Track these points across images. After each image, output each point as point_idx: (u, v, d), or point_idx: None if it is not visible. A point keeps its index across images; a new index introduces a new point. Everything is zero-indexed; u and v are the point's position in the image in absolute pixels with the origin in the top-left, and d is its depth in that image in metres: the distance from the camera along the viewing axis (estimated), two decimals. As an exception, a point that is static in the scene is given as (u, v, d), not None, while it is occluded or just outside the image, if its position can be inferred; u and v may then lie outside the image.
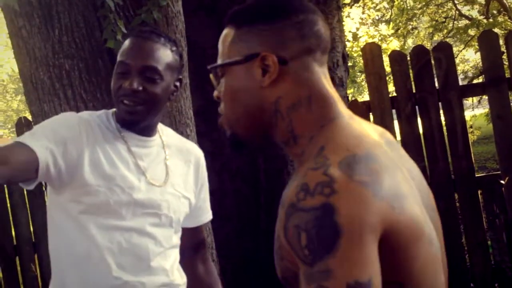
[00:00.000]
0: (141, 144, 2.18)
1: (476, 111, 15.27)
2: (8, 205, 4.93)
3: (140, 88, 2.07)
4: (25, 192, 5.00)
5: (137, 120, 2.13)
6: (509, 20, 13.88)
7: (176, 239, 2.27)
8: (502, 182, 4.53)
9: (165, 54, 2.13)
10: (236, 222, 3.44)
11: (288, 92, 1.35)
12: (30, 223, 5.05)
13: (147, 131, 2.20)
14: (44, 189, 5.03)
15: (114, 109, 2.21)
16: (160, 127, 2.28)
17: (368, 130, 1.37)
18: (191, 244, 2.41)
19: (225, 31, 1.43)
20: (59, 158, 2.00)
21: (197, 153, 2.38)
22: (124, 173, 2.11)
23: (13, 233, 5.09)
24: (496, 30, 12.40)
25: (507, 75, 4.72)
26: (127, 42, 2.16)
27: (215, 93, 1.45)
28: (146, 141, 2.20)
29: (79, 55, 3.01)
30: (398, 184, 1.26)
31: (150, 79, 2.09)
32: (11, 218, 5.04)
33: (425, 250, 1.27)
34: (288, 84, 1.35)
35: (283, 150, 1.42)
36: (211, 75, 1.46)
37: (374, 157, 1.26)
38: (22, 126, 5.00)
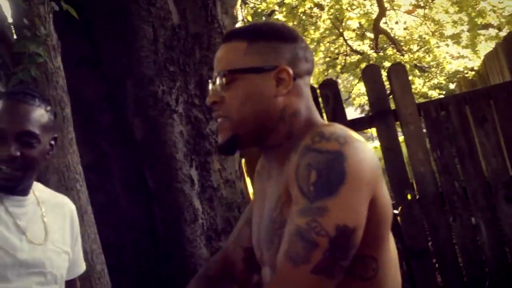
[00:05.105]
0: (17, 203, 2.15)
1: (374, 144, 15.58)
2: None
3: (18, 153, 2.04)
4: None
5: (14, 186, 2.10)
6: (397, 52, 14.32)
7: None
8: (396, 211, 4.64)
9: (40, 116, 2.11)
10: (137, 274, 3.38)
11: (292, 102, 1.57)
12: None
13: (23, 191, 2.17)
14: None
15: None
16: None
17: None
18: None
19: (230, 45, 1.60)
20: None
21: (70, 206, 2.37)
22: (5, 235, 2.07)
23: None
24: (386, 63, 12.79)
25: (393, 107, 4.85)
26: (0, 105, 2.11)
27: (212, 98, 1.60)
28: (22, 200, 2.16)
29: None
30: None
31: (28, 144, 2.06)
32: None
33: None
34: (293, 96, 1.58)
35: (268, 150, 1.62)
36: (217, 80, 1.58)
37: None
38: None
